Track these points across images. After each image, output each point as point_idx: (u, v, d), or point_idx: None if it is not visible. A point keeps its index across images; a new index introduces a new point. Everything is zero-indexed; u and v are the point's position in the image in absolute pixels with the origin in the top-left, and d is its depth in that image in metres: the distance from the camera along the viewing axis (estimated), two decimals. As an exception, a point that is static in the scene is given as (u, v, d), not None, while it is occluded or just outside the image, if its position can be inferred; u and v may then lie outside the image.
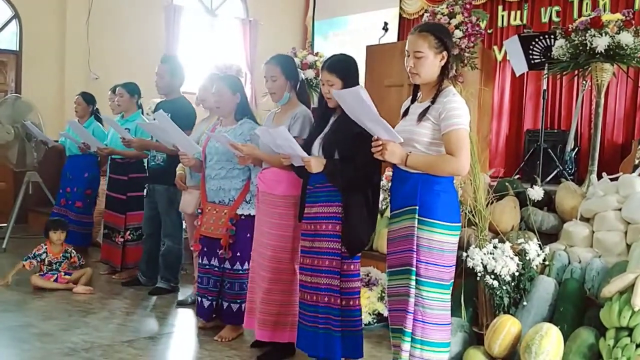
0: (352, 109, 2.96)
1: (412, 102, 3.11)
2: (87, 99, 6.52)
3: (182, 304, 4.92)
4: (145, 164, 5.50)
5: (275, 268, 3.74)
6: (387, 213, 4.91)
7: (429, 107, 2.91)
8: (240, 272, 4.12)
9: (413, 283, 2.86)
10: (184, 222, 5.25)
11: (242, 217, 4.09)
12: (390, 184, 3.21)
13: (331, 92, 3.36)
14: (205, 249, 4.23)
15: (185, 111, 5.15)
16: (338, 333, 3.38)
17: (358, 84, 3.48)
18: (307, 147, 3.44)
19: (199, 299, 4.26)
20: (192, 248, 4.74)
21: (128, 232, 5.71)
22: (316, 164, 3.32)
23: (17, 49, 8.65)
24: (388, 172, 4.41)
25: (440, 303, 2.91)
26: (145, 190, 5.42)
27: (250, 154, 3.79)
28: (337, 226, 3.36)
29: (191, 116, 5.19)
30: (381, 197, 4.25)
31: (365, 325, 3.59)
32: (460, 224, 2.97)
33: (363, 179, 3.32)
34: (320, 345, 3.41)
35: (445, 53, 2.93)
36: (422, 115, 2.91)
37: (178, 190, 4.93)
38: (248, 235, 4.07)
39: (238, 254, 4.11)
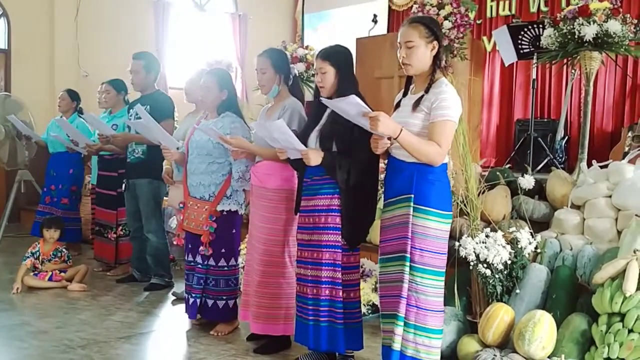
0: (345, 113, 2.98)
1: (405, 94, 3.12)
2: (72, 95, 6.54)
3: (177, 299, 4.92)
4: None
5: (267, 261, 3.75)
6: (380, 204, 4.94)
7: (422, 97, 2.94)
8: (225, 268, 4.10)
9: (407, 269, 2.90)
10: (171, 216, 5.24)
11: (224, 213, 4.06)
12: (383, 175, 3.23)
13: (324, 80, 3.38)
14: (189, 246, 4.22)
15: (162, 102, 5.16)
16: (341, 325, 3.39)
17: (352, 72, 3.50)
18: (303, 139, 3.43)
19: (186, 295, 4.26)
20: (174, 242, 4.74)
21: (120, 227, 5.71)
22: (314, 156, 3.33)
23: (6, 47, 8.62)
24: (381, 164, 4.42)
25: (434, 289, 2.95)
26: (124, 185, 5.37)
27: (239, 146, 3.79)
28: (337, 218, 3.37)
29: (169, 106, 5.20)
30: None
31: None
32: (452, 212, 3.01)
33: (361, 171, 3.32)
34: (323, 338, 3.42)
35: (435, 43, 2.97)
36: (415, 105, 2.93)
37: (161, 183, 4.92)
38: (233, 231, 4.07)
39: (222, 250, 4.09)
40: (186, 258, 4.27)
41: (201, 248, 4.07)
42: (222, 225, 4.06)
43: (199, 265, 4.13)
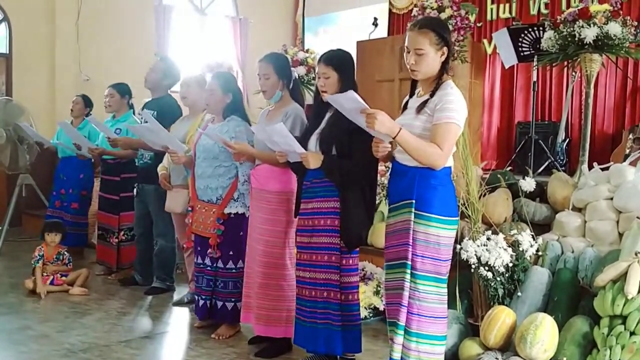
0: (345, 110, 2.97)
1: (411, 96, 3.11)
2: (86, 101, 6.58)
3: (178, 303, 4.92)
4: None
5: (268, 263, 3.77)
6: (381, 208, 4.94)
7: (427, 100, 2.92)
8: (234, 270, 4.11)
9: (408, 277, 2.87)
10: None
11: (232, 216, 4.07)
12: (385, 179, 3.22)
13: (327, 84, 3.38)
14: (198, 248, 4.24)
15: (170, 108, 5.18)
16: (338, 327, 3.40)
17: (354, 77, 3.50)
18: (303, 142, 3.44)
19: (196, 297, 4.28)
20: (184, 246, 4.75)
21: (122, 232, 5.71)
22: (314, 159, 3.34)
23: (7, 52, 8.62)
24: (381, 167, 4.42)
25: (436, 296, 2.91)
26: (135, 190, 5.42)
27: (242, 150, 3.81)
28: (336, 221, 3.38)
29: (176, 113, 5.21)
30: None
31: (362, 319, 3.60)
32: (457, 218, 2.98)
33: (360, 174, 3.33)
34: (320, 340, 3.43)
35: (445, 49, 2.92)
36: (420, 108, 2.91)
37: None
38: (241, 233, 4.07)
39: (230, 252, 4.10)
40: (196, 260, 4.29)
41: (209, 250, 4.09)
42: (230, 228, 4.08)
43: (208, 268, 4.15)
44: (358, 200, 3.35)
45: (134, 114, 5.83)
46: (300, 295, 3.55)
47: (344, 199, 3.35)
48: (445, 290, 2.96)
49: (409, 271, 2.87)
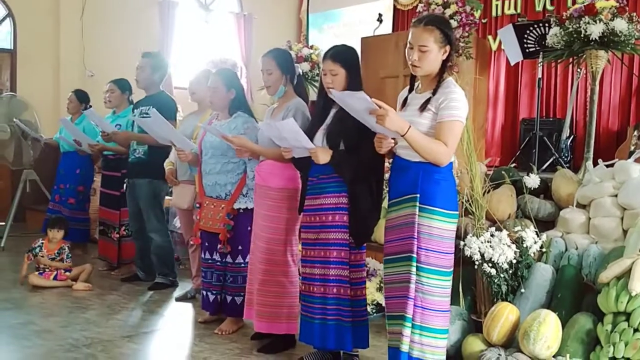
0: (350, 108, 2.95)
1: (410, 91, 3.10)
2: (80, 96, 6.57)
3: (181, 298, 4.93)
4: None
5: (270, 259, 3.76)
6: (384, 204, 4.93)
7: (430, 98, 2.92)
8: (242, 265, 4.13)
9: (414, 270, 2.88)
10: (175, 215, 5.23)
11: (241, 211, 4.09)
12: (388, 174, 3.21)
13: (335, 81, 3.36)
14: (206, 244, 4.25)
15: (166, 105, 5.14)
16: (349, 323, 3.40)
17: (360, 73, 3.48)
18: (308, 137, 3.43)
19: (204, 292, 4.29)
20: (191, 242, 4.75)
21: (123, 227, 5.71)
22: (323, 154, 3.32)
23: (12, 48, 8.64)
24: (386, 164, 4.41)
25: (440, 290, 2.92)
26: (125, 186, 5.40)
27: (242, 145, 3.79)
28: (345, 217, 3.37)
29: (172, 109, 5.20)
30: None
31: (366, 315, 3.61)
32: (458, 212, 2.99)
33: (368, 169, 3.32)
34: (330, 336, 3.42)
35: (448, 47, 2.94)
36: (424, 107, 2.92)
37: (162, 183, 4.91)
38: (248, 228, 4.08)
39: (239, 247, 4.12)
40: (203, 256, 4.30)
41: (220, 246, 4.11)
42: (239, 223, 4.10)
43: (218, 263, 4.17)
44: (366, 195, 3.35)
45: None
46: (307, 292, 3.52)
47: (353, 194, 3.34)
48: (449, 283, 2.97)
49: (414, 264, 2.88)
